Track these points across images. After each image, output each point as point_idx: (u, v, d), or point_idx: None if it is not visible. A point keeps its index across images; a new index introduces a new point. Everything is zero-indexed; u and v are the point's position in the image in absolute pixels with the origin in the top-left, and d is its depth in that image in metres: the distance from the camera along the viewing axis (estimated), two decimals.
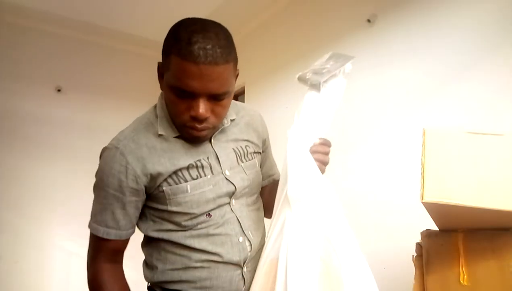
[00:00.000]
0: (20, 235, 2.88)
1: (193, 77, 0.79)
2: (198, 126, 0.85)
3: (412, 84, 1.89)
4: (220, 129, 0.95)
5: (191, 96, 0.82)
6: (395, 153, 1.91)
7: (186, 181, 0.89)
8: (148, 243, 0.97)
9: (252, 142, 1.03)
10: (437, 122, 1.73)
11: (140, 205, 0.93)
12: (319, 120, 0.88)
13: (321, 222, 0.78)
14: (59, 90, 3.19)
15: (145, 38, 3.26)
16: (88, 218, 0.96)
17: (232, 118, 0.99)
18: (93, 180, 0.95)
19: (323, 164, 0.88)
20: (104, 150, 0.92)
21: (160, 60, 0.87)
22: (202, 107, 0.82)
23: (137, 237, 0.99)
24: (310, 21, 2.58)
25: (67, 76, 3.22)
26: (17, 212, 2.89)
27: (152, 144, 0.90)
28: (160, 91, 0.93)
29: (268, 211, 1.04)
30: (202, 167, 0.91)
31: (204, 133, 0.88)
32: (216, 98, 0.84)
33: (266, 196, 1.08)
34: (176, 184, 0.89)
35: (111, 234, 0.91)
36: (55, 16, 3.03)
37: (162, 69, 0.86)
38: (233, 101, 0.99)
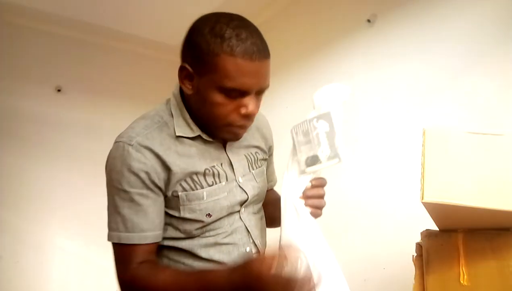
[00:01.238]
0: (20, 235, 2.88)
1: (249, 74, 0.77)
2: (247, 123, 0.84)
3: (412, 84, 1.89)
4: None
5: (242, 94, 0.79)
6: (395, 153, 1.91)
7: (202, 187, 0.85)
8: None
9: (261, 149, 1.02)
10: (437, 122, 1.73)
11: (164, 204, 0.86)
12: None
13: (314, 276, 0.76)
14: (59, 90, 3.19)
15: (145, 39, 3.26)
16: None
17: None
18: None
19: (318, 209, 0.82)
20: (115, 149, 0.84)
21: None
22: (254, 104, 0.81)
23: None
24: (310, 21, 2.58)
25: (67, 76, 3.22)
26: (17, 212, 2.88)
27: (168, 145, 0.84)
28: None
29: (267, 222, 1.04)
30: (218, 173, 0.88)
31: (245, 131, 0.88)
32: (260, 93, 0.83)
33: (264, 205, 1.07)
34: (192, 190, 0.84)
35: (148, 237, 0.82)
36: (55, 16, 3.03)
37: (195, 72, 0.81)
38: None
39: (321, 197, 0.84)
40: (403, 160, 1.84)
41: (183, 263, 0.88)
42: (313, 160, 0.80)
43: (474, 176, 0.82)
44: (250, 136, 0.98)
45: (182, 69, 0.82)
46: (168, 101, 0.91)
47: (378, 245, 1.91)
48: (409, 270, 1.07)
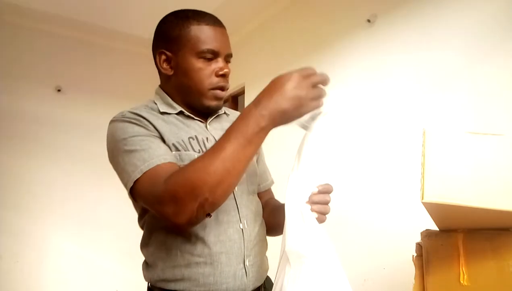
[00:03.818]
0: (20, 235, 2.88)
1: (217, 38, 0.93)
2: (225, 84, 0.95)
3: (412, 84, 1.89)
4: (215, 116, 1.02)
5: (216, 56, 0.93)
6: (395, 153, 1.91)
7: (193, 150, 0.90)
8: (148, 241, 0.95)
9: None
10: (437, 122, 1.73)
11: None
12: (318, 165, 0.81)
13: (318, 284, 0.74)
14: (59, 90, 3.19)
15: (145, 38, 3.25)
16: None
17: (226, 112, 1.07)
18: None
19: (323, 214, 0.82)
20: (111, 126, 0.90)
21: None
22: (227, 65, 0.95)
23: (137, 237, 0.99)
24: (310, 21, 2.58)
25: (67, 76, 3.23)
26: (17, 212, 2.89)
27: (155, 115, 0.93)
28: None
29: (268, 230, 1.04)
30: (204, 143, 0.94)
31: (224, 94, 0.97)
32: (227, 60, 0.96)
33: (266, 215, 1.06)
34: (185, 150, 0.89)
35: (168, 158, 0.82)
36: (55, 16, 3.03)
37: (171, 52, 0.94)
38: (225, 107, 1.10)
39: (327, 203, 0.83)
40: (403, 160, 1.84)
41: (181, 250, 0.88)
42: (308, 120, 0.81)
43: (474, 176, 0.82)
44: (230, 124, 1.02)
45: (160, 55, 0.96)
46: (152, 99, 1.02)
47: (378, 245, 1.91)
48: (409, 270, 1.07)
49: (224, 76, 0.94)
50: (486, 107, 1.58)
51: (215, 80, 0.93)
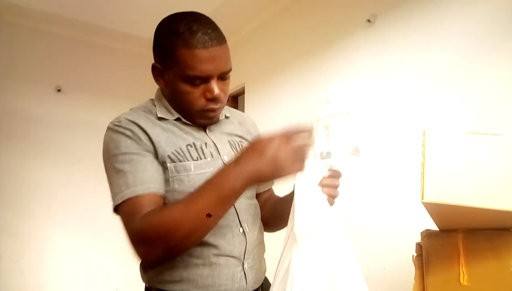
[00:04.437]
0: (20, 235, 2.88)
1: (206, 61, 0.85)
2: (215, 106, 0.91)
3: (412, 84, 1.89)
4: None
5: (205, 81, 0.87)
6: (395, 153, 1.91)
7: (188, 159, 0.90)
8: None
9: (245, 139, 1.04)
10: (437, 122, 1.73)
11: (161, 168, 0.88)
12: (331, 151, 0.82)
13: (327, 263, 0.74)
14: (59, 90, 3.19)
15: (145, 38, 3.25)
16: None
17: (226, 115, 1.04)
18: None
19: (332, 198, 0.84)
20: (107, 132, 0.90)
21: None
22: (217, 88, 0.88)
23: None
24: (310, 21, 2.58)
25: (67, 76, 3.23)
26: (17, 212, 2.89)
27: (152, 121, 0.92)
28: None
29: (267, 226, 1.04)
30: (202, 150, 0.93)
31: (218, 113, 0.94)
32: (223, 77, 0.90)
33: (266, 211, 1.06)
34: (180, 161, 0.89)
35: (151, 187, 0.83)
36: (55, 16, 3.03)
37: (163, 68, 0.90)
38: (229, 107, 1.07)
39: (336, 187, 0.86)
40: (403, 160, 1.84)
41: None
42: (328, 154, 0.81)
43: (474, 176, 0.82)
44: (232, 128, 1.03)
45: (153, 68, 0.93)
46: (153, 99, 1.01)
47: (378, 245, 1.91)
48: (409, 270, 1.07)
49: (214, 99, 0.89)
50: (486, 107, 1.58)
51: (203, 103, 0.89)
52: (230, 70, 0.91)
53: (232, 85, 3.86)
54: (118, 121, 0.90)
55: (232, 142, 1.00)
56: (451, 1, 1.76)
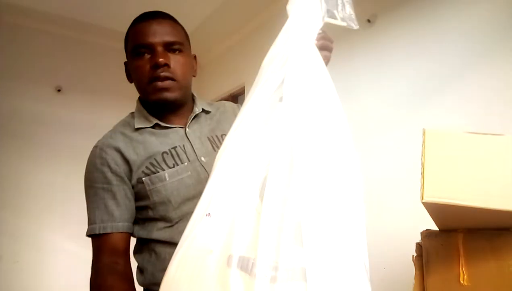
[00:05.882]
0: (20, 235, 2.88)
1: (146, 31, 0.92)
2: (161, 74, 0.91)
3: (412, 84, 1.89)
4: (193, 118, 1.00)
5: (150, 51, 0.91)
6: (395, 153, 1.91)
7: (163, 169, 0.91)
8: (139, 248, 0.97)
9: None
10: (437, 122, 1.73)
11: (130, 195, 0.93)
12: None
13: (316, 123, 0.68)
14: (59, 90, 3.19)
15: None
16: (87, 216, 0.95)
17: (206, 110, 1.05)
18: None
19: (328, 51, 0.83)
20: (89, 154, 0.96)
21: None
22: (159, 55, 0.91)
23: (134, 240, 0.99)
24: None
25: (67, 76, 3.22)
26: (17, 212, 2.89)
27: (129, 137, 0.95)
28: None
29: None
30: (178, 154, 0.93)
31: (167, 84, 0.92)
32: (171, 48, 0.93)
33: None
34: (154, 173, 0.91)
35: (107, 227, 0.90)
36: (55, 16, 3.03)
37: (127, 59, 0.98)
38: (211, 101, 1.10)
39: (331, 41, 0.84)
40: (403, 160, 1.84)
41: (170, 253, 0.86)
42: (332, 15, 0.79)
43: (474, 176, 0.82)
44: (215, 123, 1.04)
45: (125, 66, 1.00)
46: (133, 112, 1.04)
47: (378, 245, 1.91)
48: (409, 270, 1.07)
49: (156, 66, 0.90)
50: (486, 107, 1.58)
51: (151, 73, 0.91)
52: (176, 43, 0.93)
53: (232, 85, 3.86)
54: (97, 144, 0.95)
55: (212, 139, 1.00)
56: (451, 1, 1.76)
